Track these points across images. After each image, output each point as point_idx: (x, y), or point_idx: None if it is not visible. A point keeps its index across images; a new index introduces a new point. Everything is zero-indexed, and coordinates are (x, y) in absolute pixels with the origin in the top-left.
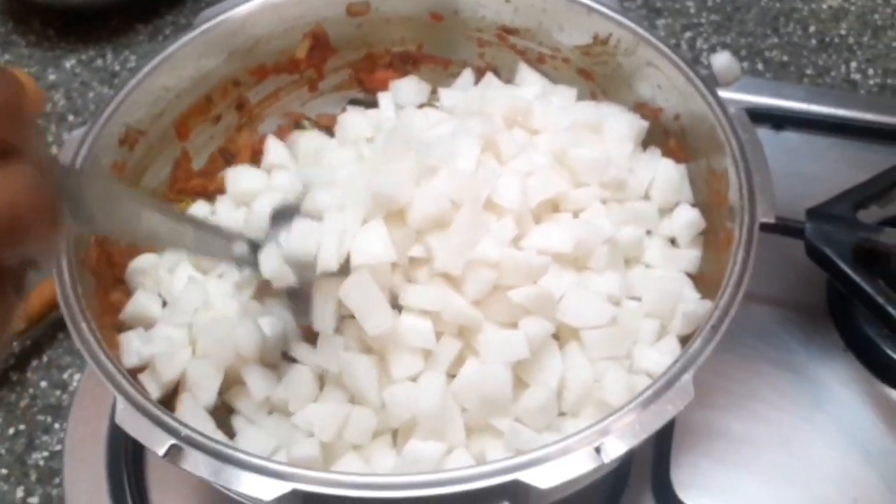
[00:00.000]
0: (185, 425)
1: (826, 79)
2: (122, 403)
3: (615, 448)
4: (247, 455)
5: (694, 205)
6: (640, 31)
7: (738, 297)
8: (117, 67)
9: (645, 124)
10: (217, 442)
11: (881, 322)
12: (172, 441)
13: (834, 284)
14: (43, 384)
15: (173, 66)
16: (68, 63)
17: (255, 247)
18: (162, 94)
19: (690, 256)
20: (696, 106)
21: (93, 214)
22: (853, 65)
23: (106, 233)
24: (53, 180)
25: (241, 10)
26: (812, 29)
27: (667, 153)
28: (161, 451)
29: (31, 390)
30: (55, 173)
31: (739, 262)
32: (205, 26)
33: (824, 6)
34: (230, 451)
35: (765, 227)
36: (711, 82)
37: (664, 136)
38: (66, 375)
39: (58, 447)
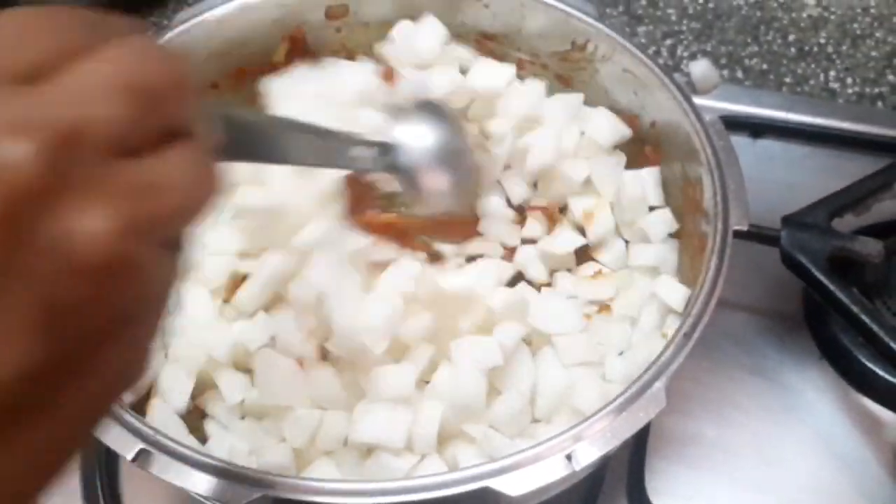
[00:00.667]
0: (155, 430)
1: (805, 87)
2: None
3: (586, 455)
4: (215, 460)
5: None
6: (617, 37)
7: (710, 304)
8: None
9: (627, 132)
10: (185, 447)
11: (855, 331)
12: (141, 446)
13: (810, 293)
14: None
15: None
16: None
17: (385, 148)
18: None
19: (665, 258)
20: (671, 113)
21: (237, 148)
22: (832, 73)
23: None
24: (213, 153)
25: (219, 11)
26: (792, 37)
27: (642, 160)
28: (130, 456)
29: None
30: (211, 139)
31: (713, 269)
32: (181, 27)
33: (804, 15)
34: (198, 456)
35: (741, 235)
36: (688, 90)
37: (640, 142)
38: None
39: None
